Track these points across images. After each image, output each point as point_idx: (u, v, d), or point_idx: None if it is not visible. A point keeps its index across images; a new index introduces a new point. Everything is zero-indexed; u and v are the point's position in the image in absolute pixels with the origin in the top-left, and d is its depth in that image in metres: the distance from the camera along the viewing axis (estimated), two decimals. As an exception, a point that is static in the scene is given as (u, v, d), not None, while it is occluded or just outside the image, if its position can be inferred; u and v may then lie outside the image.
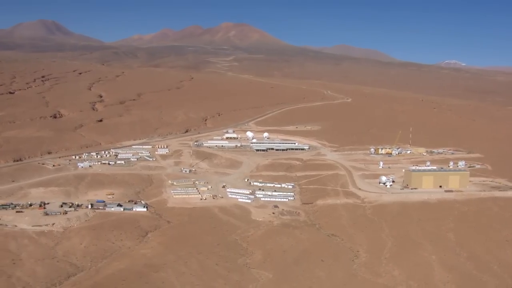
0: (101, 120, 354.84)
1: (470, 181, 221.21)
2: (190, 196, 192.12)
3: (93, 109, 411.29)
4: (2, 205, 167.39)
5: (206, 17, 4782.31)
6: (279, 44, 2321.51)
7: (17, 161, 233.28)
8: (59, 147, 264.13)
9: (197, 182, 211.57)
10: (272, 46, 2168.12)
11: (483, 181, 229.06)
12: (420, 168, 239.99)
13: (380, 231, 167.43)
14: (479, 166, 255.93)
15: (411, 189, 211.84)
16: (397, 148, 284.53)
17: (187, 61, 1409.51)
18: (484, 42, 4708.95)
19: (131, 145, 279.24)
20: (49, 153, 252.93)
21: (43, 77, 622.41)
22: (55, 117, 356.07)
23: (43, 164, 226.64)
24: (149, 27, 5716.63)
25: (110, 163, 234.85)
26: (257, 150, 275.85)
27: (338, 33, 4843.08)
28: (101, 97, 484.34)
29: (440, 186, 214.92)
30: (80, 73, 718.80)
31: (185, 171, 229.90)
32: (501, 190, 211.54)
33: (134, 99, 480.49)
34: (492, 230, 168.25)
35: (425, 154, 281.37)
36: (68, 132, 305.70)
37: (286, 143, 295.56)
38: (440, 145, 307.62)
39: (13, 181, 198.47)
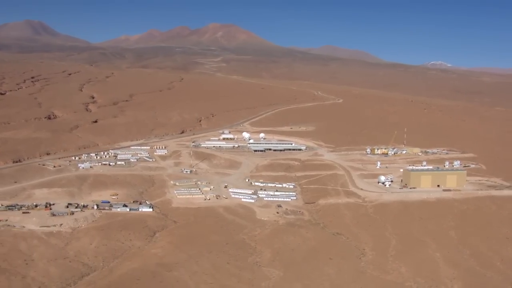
0: (96, 121, 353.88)
1: (466, 180, 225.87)
2: (193, 196, 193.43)
3: (87, 110, 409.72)
4: (8, 206, 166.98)
5: (193, 18, 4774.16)
6: (267, 45, 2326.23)
7: (17, 162, 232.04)
8: (57, 148, 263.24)
9: (199, 182, 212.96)
10: (259, 47, 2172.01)
11: (479, 180, 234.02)
12: (417, 168, 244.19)
13: (383, 229, 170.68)
14: (473, 165, 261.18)
15: (410, 188, 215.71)
16: (393, 148, 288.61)
17: (175, 62, 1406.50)
18: (470, 43, 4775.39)
19: (129, 146, 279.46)
20: (47, 154, 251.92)
21: (32, 78, 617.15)
22: (49, 118, 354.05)
23: (43, 165, 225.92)
24: (136, 28, 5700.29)
25: (111, 164, 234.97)
26: (255, 150, 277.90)
27: (325, 34, 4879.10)
28: (93, 98, 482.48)
29: (438, 186, 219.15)
30: (70, 74, 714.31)
31: (186, 171, 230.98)
32: (497, 189, 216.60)
33: (126, 100, 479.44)
34: (491, 228, 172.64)
35: (420, 154, 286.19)
36: (64, 133, 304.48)
37: (283, 144, 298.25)
38: (433, 145, 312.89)
39: (16, 182, 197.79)
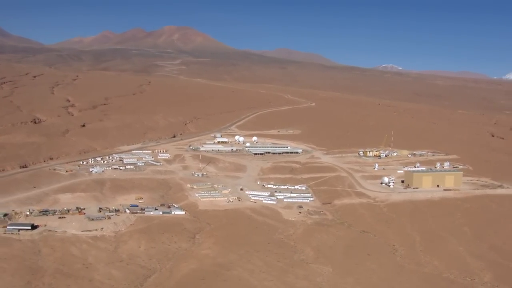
0: (83, 125, 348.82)
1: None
2: (216, 199, 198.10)
3: (69, 113, 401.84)
4: (41, 211, 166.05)
5: (148, 20, 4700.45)
6: (223, 48, 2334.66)
7: (23, 167, 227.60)
8: (58, 152, 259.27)
9: (215, 185, 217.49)
10: (216, 49, 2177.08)
11: (471, 180, 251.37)
12: (414, 169, 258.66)
13: (403, 227, 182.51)
14: (461, 166, 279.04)
15: (413, 188, 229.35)
16: (385, 151, 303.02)
17: (134, 64, 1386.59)
18: (419, 47, 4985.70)
19: (130, 150, 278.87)
20: (50, 158, 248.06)
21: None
22: (35, 122, 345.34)
23: (54, 170, 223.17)
24: (89, 30, 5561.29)
25: (121, 168, 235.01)
26: (255, 154, 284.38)
27: (279, 37, 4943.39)
28: (69, 101, 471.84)
29: (438, 186, 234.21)
30: (35, 77, 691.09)
31: (197, 175, 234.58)
32: (491, 188, 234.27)
33: (104, 104, 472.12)
34: (498, 224, 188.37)
35: (409, 156, 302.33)
36: (58, 137, 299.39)
37: (280, 147, 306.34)
38: (415, 147, 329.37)
39: (35, 187, 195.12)
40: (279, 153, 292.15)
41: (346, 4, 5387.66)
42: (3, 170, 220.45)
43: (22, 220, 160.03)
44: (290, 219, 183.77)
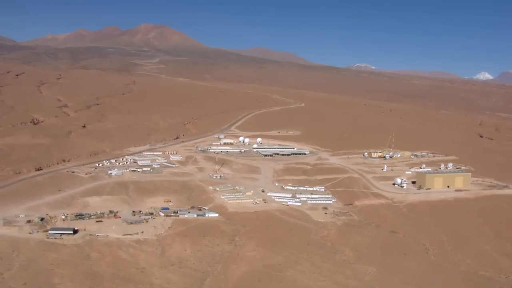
0: (84, 126, 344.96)
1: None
2: (242, 201, 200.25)
3: (65, 113, 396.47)
4: (77, 215, 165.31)
5: (123, 18, 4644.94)
6: (200, 47, 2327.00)
7: (39, 169, 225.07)
8: (69, 154, 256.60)
9: (236, 187, 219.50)
10: (192, 48, 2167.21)
11: (476, 180, 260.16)
12: (425, 170, 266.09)
13: (427, 227, 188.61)
14: (464, 167, 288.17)
15: (426, 189, 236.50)
16: (388, 152, 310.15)
17: (113, 63, 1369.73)
18: (392, 47, 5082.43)
19: (139, 152, 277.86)
20: (63, 161, 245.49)
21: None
22: (34, 123, 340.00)
23: (73, 172, 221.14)
24: (63, 27, 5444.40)
25: (138, 170, 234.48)
26: (265, 155, 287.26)
27: (254, 36, 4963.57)
28: (60, 101, 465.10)
29: (448, 186, 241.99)
30: (17, 75, 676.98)
31: (215, 177, 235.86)
32: (498, 189, 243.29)
33: (97, 104, 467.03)
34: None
35: (412, 157, 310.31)
36: (63, 138, 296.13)
37: (287, 148, 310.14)
38: (413, 148, 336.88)
39: (59, 190, 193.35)
40: (288, 155, 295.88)
41: (319, 4, 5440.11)
42: (19, 173, 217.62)
43: (59, 224, 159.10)
44: (319, 220, 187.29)
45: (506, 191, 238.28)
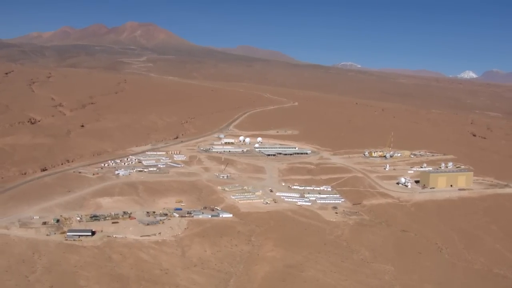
0: (83, 126, 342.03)
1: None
2: (253, 201, 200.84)
3: (61, 113, 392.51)
4: (92, 216, 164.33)
5: (109, 15, 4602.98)
6: (187, 45, 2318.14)
7: (44, 170, 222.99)
8: (72, 154, 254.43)
9: (245, 187, 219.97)
10: (179, 46, 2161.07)
11: (477, 180, 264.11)
12: (428, 169, 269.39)
13: (437, 226, 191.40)
14: (463, 166, 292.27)
15: (430, 188, 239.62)
16: (388, 151, 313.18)
17: (100, 61, 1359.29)
18: (375, 45, 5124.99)
19: (142, 152, 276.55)
20: (67, 161, 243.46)
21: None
22: (31, 122, 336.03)
23: (79, 172, 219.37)
24: (48, 25, 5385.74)
25: (145, 170, 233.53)
26: (268, 155, 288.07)
27: (240, 34, 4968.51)
28: (54, 100, 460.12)
29: (451, 186, 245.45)
30: (7, 73, 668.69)
31: (222, 176, 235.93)
32: (499, 188, 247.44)
33: (92, 103, 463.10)
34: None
35: (412, 156, 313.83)
36: (63, 138, 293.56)
37: (289, 148, 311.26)
38: (411, 147, 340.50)
39: (69, 191, 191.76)
40: (290, 154, 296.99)
41: (304, 3, 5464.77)
42: (25, 174, 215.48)
43: (74, 225, 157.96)
44: (331, 220, 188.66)
45: (507, 190, 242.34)
